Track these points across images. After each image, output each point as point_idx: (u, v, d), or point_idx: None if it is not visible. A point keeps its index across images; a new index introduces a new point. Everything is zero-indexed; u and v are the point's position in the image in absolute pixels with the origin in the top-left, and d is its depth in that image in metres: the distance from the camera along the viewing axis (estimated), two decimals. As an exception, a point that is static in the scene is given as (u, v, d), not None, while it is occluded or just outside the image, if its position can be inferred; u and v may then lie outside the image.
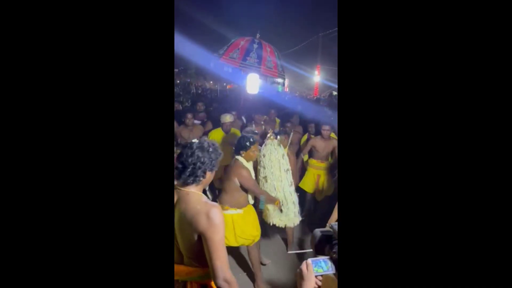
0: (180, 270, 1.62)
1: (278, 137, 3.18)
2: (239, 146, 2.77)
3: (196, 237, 1.49)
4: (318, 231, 1.12)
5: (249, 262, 3.03)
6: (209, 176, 1.64)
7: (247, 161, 2.81)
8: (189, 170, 1.53)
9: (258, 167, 3.10)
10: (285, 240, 3.63)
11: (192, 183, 1.57)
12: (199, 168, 1.55)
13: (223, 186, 2.85)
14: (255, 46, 4.56)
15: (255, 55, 4.52)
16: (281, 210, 3.01)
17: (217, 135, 3.97)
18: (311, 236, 1.14)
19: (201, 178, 1.58)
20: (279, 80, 5.40)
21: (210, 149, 1.60)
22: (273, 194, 2.98)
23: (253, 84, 4.93)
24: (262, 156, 3.07)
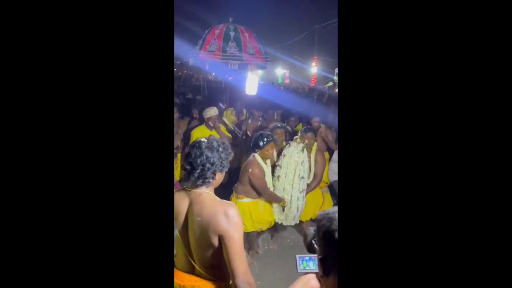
0: (188, 280, 1.49)
1: (305, 142, 2.97)
2: (254, 144, 2.79)
3: (214, 241, 1.38)
4: (311, 229, 1.10)
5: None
6: (219, 177, 1.50)
7: (263, 159, 2.83)
8: (197, 171, 1.41)
9: (276, 164, 2.98)
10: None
11: (202, 184, 1.45)
12: (209, 169, 1.42)
13: (240, 177, 2.89)
14: (232, 33, 4.33)
15: (234, 44, 4.29)
16: (283, 209, 2.98)
17: (200, 133, 3.55)
18: (303, 233, 1.11)
19: (211, 180, 1.45)
20: (262, 64, 5.00)
21: (220, 149, 1.46)
22: (280, 195, 2.92)
23: (252, 85, 4.55)
24: (282, 156, 2.94)
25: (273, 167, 2.99)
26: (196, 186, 1.46)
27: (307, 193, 3.03)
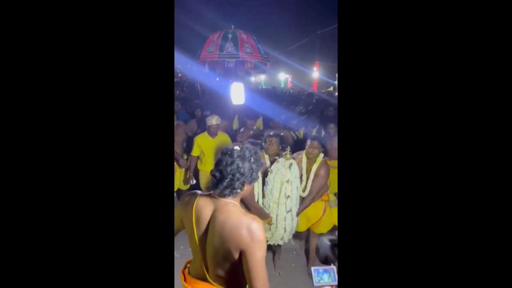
0: (201, 287, 1.44)
1: (293, 160, 2.65)
2: None
3: (234, 254, 1.30)
4: (324, 240, 1.05)
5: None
6: (248, 188, 1.41)
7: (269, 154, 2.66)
8: (227, 180, 1.33)
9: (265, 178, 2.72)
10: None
11: (229, 195, 1.36)
12: (238, 179, 1.34)
13: None
14: (230, 35, 4.62)
15: (231, 44, 4.57)
16: (269, 228, 2.72)
17: (203, 140, 3.50)
18: (316, 244, 1.09)
19: (239, 190, 1.37)
20: (261, 65, 4.99)
21: (252, 159, 1.37)
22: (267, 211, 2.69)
23: (237, 94, 4.38)
24: (269, 172, 2.69)
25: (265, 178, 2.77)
26: (223, 196, 1.37)
27: (301, 210, 2.75)
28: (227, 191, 1.35)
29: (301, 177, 2.76)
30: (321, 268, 1.07)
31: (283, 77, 22.62)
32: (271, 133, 2.88)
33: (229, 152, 1.37)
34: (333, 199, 3.06)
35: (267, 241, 2.71)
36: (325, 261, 1.06)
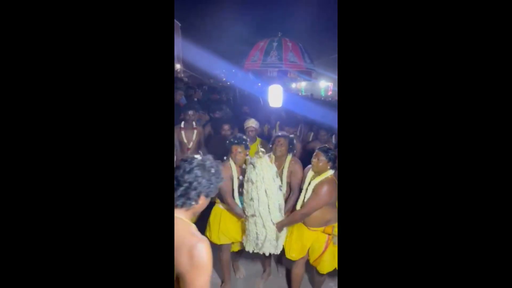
0: None
1: (264, 159, 2.34)
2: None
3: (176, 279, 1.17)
4: None
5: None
6: (203, 202, 1.29)
7: (235, 163, 2.48)
8: (182, 189, 1.22)
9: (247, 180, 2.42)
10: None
11: (182, 206, 1.24)
12: (195, 189, 1.23)
13: None
14: (275, 44, 4.38)
15: (275, 53, 4.33)
16: (244, 231, 2.45)
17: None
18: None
19: (193, 203, 1.24)
20: (304, 75, 4.69)
21: (212, 170, 1.27)
22: (257, 227, 2.34)
23: (275, 96, 4.17)
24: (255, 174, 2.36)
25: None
26: (176, 206, 1.24)
27: (285, 224, 2.39)
28: (179, 202, 1.24)
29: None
30: None
31: (324, 85, 21.99)
32: (279, 134, 2.62)
33: (189, 160, 1.28)
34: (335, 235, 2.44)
35: (244, 245, 2.44)
36: None
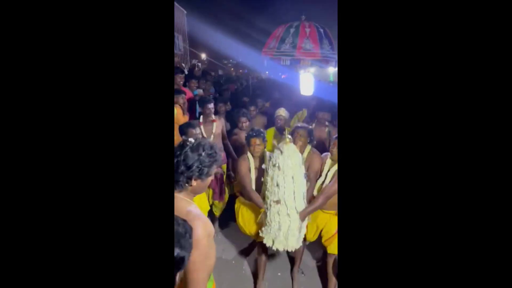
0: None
1: (290, 145, 2.27)
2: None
3: None
4: None
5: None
6: (198, 184, 1.28)
7: (253, 155, 2.52)
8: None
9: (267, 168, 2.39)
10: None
11: (176, 187, 1.26)
12: (182, 173, 1.23)
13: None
14: (292, 30, 3.99)
15: (290, 40, 3.97)
16: (263, 223, 2.35)
17: (270, 134, 3.24)
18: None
19: (186, 185, 1.26)
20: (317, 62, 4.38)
21: (203, 153, 1.25)
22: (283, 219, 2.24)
23: (306, 84, 3.97)
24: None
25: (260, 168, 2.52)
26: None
27: (309, 211, 2.30)
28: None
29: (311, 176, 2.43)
30: None
31: (333, 70, 21.47)
32: (299, 125, 2.60)
33: (181, 144, 1.29)
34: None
35: (262, 239, 2.34)
36: None
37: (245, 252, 3.22)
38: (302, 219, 2.29)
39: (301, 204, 2.28)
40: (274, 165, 2.27)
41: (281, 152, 2.25)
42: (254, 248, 3.10)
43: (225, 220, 3.59)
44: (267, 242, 2.29)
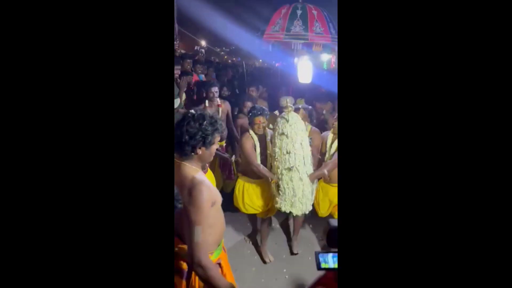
0: (177, 245, 1.45)
1: (293, 113, 2.44)
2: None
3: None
4: (333, 221, 1.01)
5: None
6: (204, 152, 1.38)
7: (256, 133, 2.59)
8: (176, 141, 1.33)
9: (275, 139, 2.49)
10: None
11: (181, 156, 1.36)
12: (186, 142, 1.31)
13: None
14: (299, 11, 3.80)
15: (299, 22, 3.76)
16: (278, 192, 2.43)
17: None
18: (324, 226, 1.05)
19: (191, 154, 1.35)
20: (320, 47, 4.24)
21: (204, 122, 1.33)
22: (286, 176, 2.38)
23: (305, 72, 3.73)
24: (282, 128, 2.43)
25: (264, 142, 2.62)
26: (180, 157, 1.37)
27: (317, 175, 2.50)
28: (178, 153, 1.35)
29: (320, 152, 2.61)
30: (326, 253, 1.01)
31: (326, 58, 21.32)
32: (299, 106, 2.70)
33: (184, 115, 1.36)
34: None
35: (280, 207, 2.45)
36: (333, 245, 0.93)
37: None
38: (312, 181, 2.46)
39: (310, 169, 2.45)
40: (281, 134, 2.37)
41: (287, 120, 2.37)
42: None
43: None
44: (286, 208, 2.40)
